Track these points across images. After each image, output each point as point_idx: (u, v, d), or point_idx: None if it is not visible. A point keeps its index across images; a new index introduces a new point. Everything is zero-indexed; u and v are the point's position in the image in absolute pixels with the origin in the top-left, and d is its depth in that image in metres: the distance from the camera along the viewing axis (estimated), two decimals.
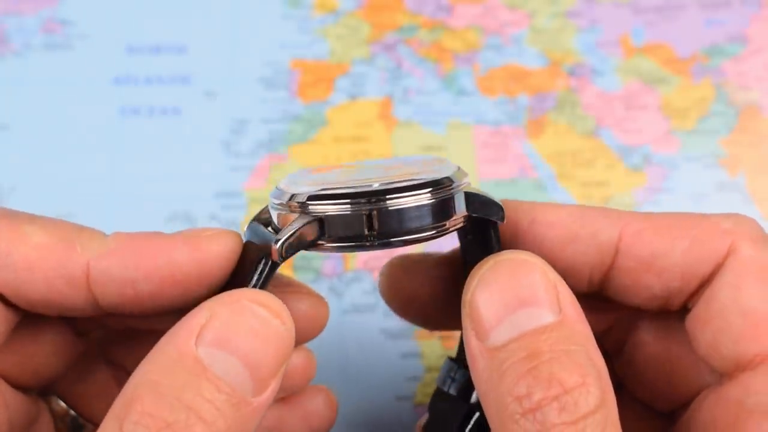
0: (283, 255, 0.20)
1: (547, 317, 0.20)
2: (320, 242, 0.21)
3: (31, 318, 0.23)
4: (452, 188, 0.21)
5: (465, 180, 0.22)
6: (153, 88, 0.40)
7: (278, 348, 0.20)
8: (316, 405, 0.28)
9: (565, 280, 0.23)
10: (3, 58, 0.40)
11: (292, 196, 0.21)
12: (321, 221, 0.20)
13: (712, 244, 0.22)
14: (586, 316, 0.25)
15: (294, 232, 0.20)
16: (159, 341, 0.20)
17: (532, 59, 0.41)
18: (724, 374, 0.22)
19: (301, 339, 0.26)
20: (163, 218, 0.37)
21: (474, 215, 0.22)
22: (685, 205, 0.38)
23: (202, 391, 0.18)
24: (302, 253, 0.38)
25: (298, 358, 0.27)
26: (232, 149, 0.39)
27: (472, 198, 0.22)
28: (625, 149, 0.39)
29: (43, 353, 0.24)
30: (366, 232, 0.20)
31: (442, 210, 0.21)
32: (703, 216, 0.23)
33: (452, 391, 0.24)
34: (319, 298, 0.26)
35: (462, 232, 0.24)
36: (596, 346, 0.20)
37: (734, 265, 0.22)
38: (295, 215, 0.21)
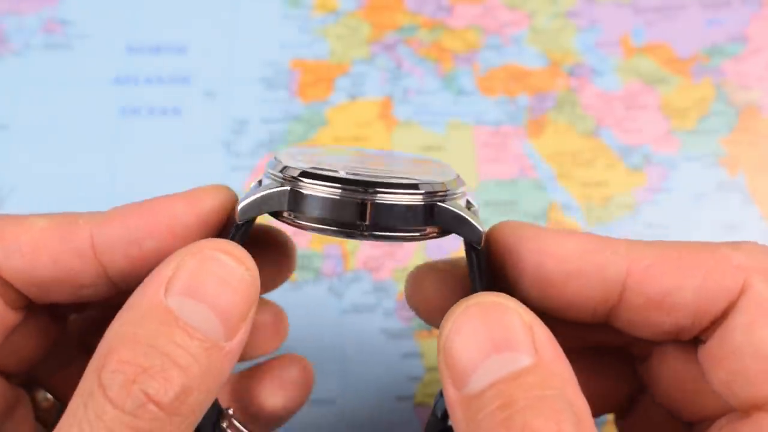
0: (241, 216, 0.21)
1: (523, 361, 0.19)
2: (288, 216, 0.21)
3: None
4: (443, 195, 0.21)
5: (460, 189, 0.22)
6: (153, 88, 0.40)
7: (244, 293, 0.20)
8: (291, 374, 0.28)
9: (567, 311, 0.22)
10: (3, 58, 0.40)
11: (284, 168, 0.21)
12: (295, 194, 0.21)
13: (724, 281, 0.21)
14: (612, 331, 0.24)
15: (255, 198, 0.21)
16: (129, 297, 0.20)
17: (532, 59, 0.41)
18: (739, 410, 0.22)
19: (275, 282, 0.27)
20: None
21: (447, 230, 0.21)
22: (685, 205, 0.38)
23: (175, 338, 0.19)
24: (302, 252, 0.38)
25: (266, 315, 0.28)
26: (232, 149, 0.39)
27: (445, 212, 0.21)
28: (625, 149, 0.39)
29: (22, 337, 0.25)
30: (357, 222, 0.21)
31: (417, 214, 0.21)
32: (713, 247, 0.22)
33: (437, 412, 0.24)
34: (288, 243, 0.26)
35: (466, 254, 0.23)
36: (577, 386, 0.19)
37: (748, 304, 0.21)
38: (272, 185, 0.21)
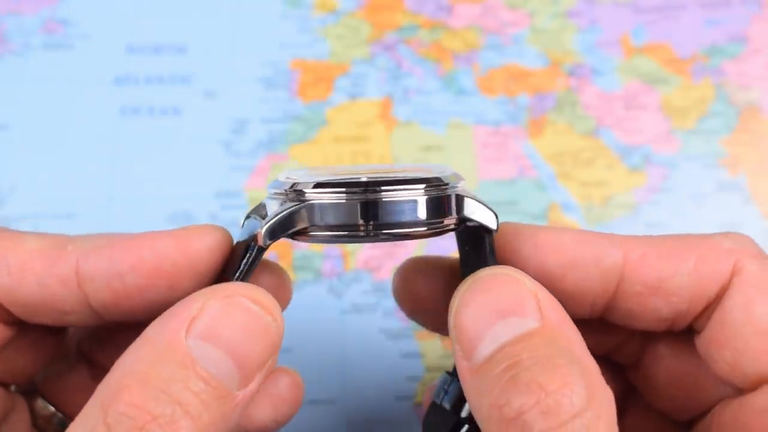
0: (268, 239, 0.21)
1: (529, 324, 0.20)
2: (310, 230, 0.21)
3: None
4: (447, 188, 0.21)
5: (461, 183, 0.22)
6: (153, 88, 0.40)
7: (267, 343, 0.20)
8: (281, 388, 0.28)
9: (566, 306, 0.22)
10: (3, 58, 0.40)
11: (293, 185, 0.21)
12: (312, 208, 0.21)
13: (717, 264, 0.22)
14: (598, 334, 0.25)
15: (278, 216, 0.21)
16: (147, 328, 0.20)
17: (532, 59, 0.41)
18: (746, 389, 0.22)
19: None
20: (163, 218, 0.37)
21: (467, 218, 0.22)
22: (685, 205, 0.38)
23: (190, 384, 0.19)
24: (302, 252, 0.38)
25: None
26: (232, 149, 0.39)
27: (466, 201, 0.22)
28: (625, 149, 0.39)
29: (18, 351, 0.24)
30: (359, 222, 0.21)
31: (435, 207, 0.21)
32: (703, 236, 0.23)
33: (445, 404, 0.24)
34: (283, 273, 0.26)
35: (460, 242, 0.24)
36: (584, 346, 0.20)
37: (741, 284, 0.22)
38: (289, 203, 0.21)
